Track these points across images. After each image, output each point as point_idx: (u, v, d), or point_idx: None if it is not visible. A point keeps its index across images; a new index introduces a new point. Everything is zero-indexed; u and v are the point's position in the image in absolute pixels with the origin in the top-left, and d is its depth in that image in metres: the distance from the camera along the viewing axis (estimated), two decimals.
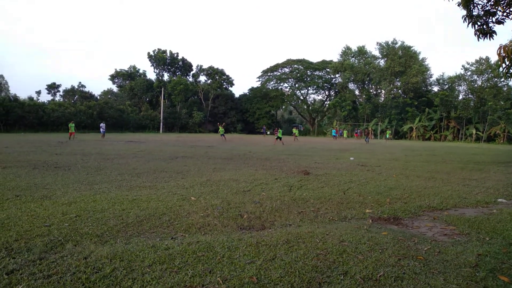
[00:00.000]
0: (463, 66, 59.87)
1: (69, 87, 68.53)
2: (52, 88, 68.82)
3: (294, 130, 59.98)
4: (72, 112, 51.58)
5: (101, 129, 33.96)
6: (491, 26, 9.30)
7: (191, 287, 3.11)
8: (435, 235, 4.92)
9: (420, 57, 64.48)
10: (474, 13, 9.33)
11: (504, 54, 8.30)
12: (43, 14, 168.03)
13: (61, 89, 69.28)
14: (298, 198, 7.13)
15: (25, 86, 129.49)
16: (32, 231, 4.51)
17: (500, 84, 55.52)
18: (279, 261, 3.71)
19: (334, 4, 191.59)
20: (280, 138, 32.13)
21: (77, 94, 67.76)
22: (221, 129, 36.80)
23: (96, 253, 3.79)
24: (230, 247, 4.09)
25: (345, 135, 57.07)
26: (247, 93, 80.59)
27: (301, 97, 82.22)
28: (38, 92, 68.58)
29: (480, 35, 9.35)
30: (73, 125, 29.84)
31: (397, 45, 64.35)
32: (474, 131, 55.77)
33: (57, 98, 68.17)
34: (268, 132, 64.76)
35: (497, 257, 4.01)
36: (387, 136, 53.92)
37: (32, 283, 3.07)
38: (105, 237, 4.42)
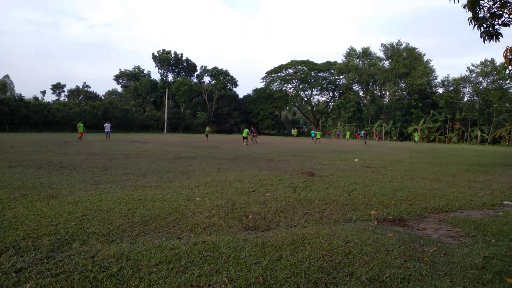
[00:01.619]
0: (468, 68, 59.45)
1: (74, 87, 68.79)
2: (57, 88, 69.06)
3: (294, 131, 59.99)
4: (77, 112, 51.80)
5: (105, 129, 33.03)
6: (497, 28, 9.26)
7: (197, 287, 3.12)
8: (441, 237, 4.91)
9: (425, 58, 64.29)
10: (480, 15, 9.29)
11: (510, 56, 8.28)
12: (48, 14, 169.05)
13: (66, 89, 69.50)
14: (303, 199, 7.14)
15: (30, 86, 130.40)
16: (39, 230, 4.54)
17: (505, 86, 55.15)
18: (285, 261, 3.72)
19: (338, 5, 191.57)
20: (246, 138, 31.05)
21: (82, 94, 67.99)
22: (208, 129, 40.98)
23: (102, 252, 3.82)
24: (236, 247, 4.10)
25: (347, 136, 56.92)
26: (251, 94, 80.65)
27: (305, 98, 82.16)
28: (43, 92, 68.84)
29: (486, 37, 9.31)
30: (82, 125, 29.44)
31: (401, 47, 64.15)
32: (479, 133, 55.48)
33: (62, 98, 68.39)
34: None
35: (504, 259, 4.00)
36: (416, 138, 51.80)
37: (40, 282, 3.10)
38: (112, 237, 4.44)
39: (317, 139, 42.58)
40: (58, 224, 4.83)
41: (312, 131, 55.95)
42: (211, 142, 31.39)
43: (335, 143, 40.26)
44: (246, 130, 31.68)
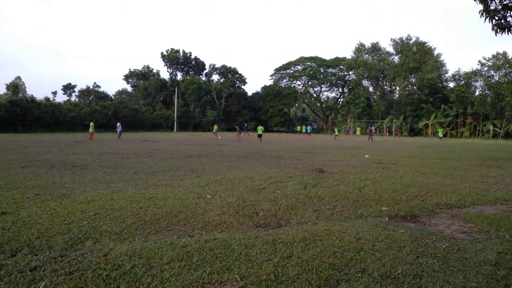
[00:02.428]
0: (479, 61, 58.52)
1: (84, 87, 69.37)
2: (68, 88, 69.72)
3: (299, 127, 59.84)
4: (88, 112, 52.31)
5: (117, 129, 33.13)
6: (509, 21, 9.11)
7: (209, 283, 3.14)
8: (454, 232, 4.86)
9: (435, 53, 63.49)
10: (491, 8, 9.15)
11: None
12: (58, 16, 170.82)
13: (76, 89, 70.09)
14: (314, 196, 7.12)
15: (41, 87, 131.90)
16: (53, 229, 4.60)
17: None
18: (296, 258, 3.72)
19: (347, 0, 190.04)
20: (261, 136, 30.69)
21: (92, 94, 68.54)
22: (215, 127, 42.18)
23: (115, 250, 3.86)
24: (247, 244, 4.11)
25: (358, 133, 56.51)
26: (260, 91, 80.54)
27: (314, 95, 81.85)
28: (54, 93, 69.46)
29: (498, 30, 9.16)
30: (93, 124, 29.56)
31: (411, 41, 63.43)
32: (491, 127, 54.64)
33: (73, 98, 69.01)
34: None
35: None
36: (440, 134, 48.56)
37: (54, 280, 3.14)
38: (124, 235, 4.49)
39: (335, 135, 42.57)
40: (71, 223, 4.89)
41: (308, 127, 55.54)
42: (219, 140, 31.47)
43: (345, 140, 40.01)
44: (261, 128, 31.42)
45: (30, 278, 3.17)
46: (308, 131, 53.90)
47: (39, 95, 78.80)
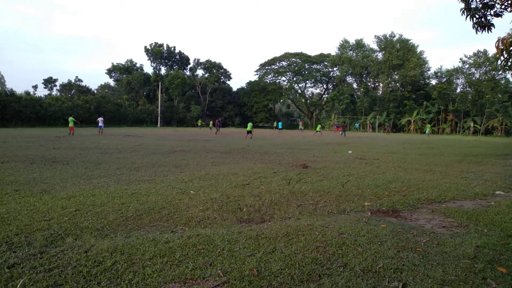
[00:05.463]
0: (461, 59, 59.72)
1: (66, 81, 68.11)
2: (49, 82, 68.28)
3: (275, 124, 60.15)
4: (69, 106, 51.40)
5: (98, 124, 32.43)
6: (489, 19, 9.27)
7: (192, 279, 3.13)
8: (434, 227, 4.95)
9: (418, 50, 64.38)
10: (472, 6, 9.30)
11: (502, 47, 8.28)
12: (40, 8, 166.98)
13: (57, 83, 68.75)
14: (297, 191, 7.15)
15: (21, 81, 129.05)
16: (32, 226, 4.51)
17: (497, 77, 55.41)
18: (279, 253, 3.73)
19: None
20: (250, 132, 29.99)
21: (74, 88, 67.32)
22: (199, 122, 47.27)
23: (96, 246, 3.80)
24: (230, 240, 4.11)
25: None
26: (245, 87, 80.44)
27: (299, 91, 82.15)
28: (35, 87, 68.00)
29: (479, 28, 9.32)
30: (72, 119, 28.98)
31: (395, 38, 64.18)
32: (472, 124, 55.82)
33: (54, 92, 67.67)
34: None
35: (495, 248, 4.04)
36: (427, 131, 49.09)
37: (33, 277, 3.08)
38: (105, 231, 4.42)
39: (316, 131, 43.01)
40: (51, 219, 4.80)
41: (279, 123, 55.12)
42: (204, 136, 31.32)
43: (330, 136, 40.29)
44: (250, 124, 30.96)
45: (8, 275, 3.10)
46: (279, 127, 53.76)
47: (19, 89, 77.17)
